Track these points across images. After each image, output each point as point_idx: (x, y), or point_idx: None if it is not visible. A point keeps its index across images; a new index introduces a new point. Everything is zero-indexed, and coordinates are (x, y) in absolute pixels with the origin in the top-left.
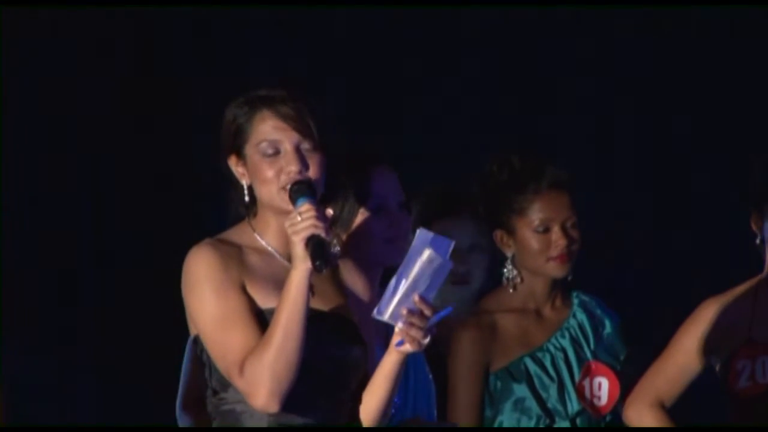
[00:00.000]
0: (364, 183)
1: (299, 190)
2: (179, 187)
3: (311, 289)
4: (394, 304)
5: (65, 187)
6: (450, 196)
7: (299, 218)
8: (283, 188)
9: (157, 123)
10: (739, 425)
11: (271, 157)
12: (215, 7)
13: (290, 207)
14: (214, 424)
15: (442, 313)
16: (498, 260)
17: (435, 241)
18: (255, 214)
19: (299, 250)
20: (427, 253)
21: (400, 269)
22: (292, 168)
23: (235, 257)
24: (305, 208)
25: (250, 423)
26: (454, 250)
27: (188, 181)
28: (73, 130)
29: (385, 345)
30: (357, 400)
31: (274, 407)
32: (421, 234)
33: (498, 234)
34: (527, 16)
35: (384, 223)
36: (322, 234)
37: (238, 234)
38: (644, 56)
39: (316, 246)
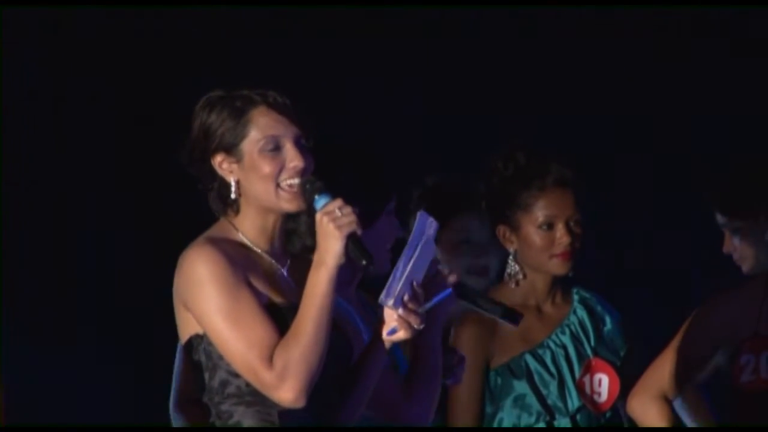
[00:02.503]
0: (382, 184)
1: (317, 187)
2: (180, 186)
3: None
4: (398, 289)
5: (66, 186)
6: (466, 192)
7: (339, 213)
8: (282, 184)
9: (158, 122)
10: (739, 425)
11: (271, 152)
12: (215, 7)
13: (287, 206)
14: (218, 424)
15: (441, 296)
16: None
17: (431, 225)
18: (236, 212)
19: (337, 245)
20: (426, 237)
21: (404, 254)
22: (296, 163)
23: (235, 254)
24: (340, 203)
25: (249, 423)
26: (475, 244)
27: (188, 180)
28: (73, 129)
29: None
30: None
31: (302, 401)
32: (422, 217)
33: (501, 229)
34: (527, 15)
35: (391, 228)
36: (360, 232)
37: (223, 232)
38: (645, 56)
39: (359, 245)
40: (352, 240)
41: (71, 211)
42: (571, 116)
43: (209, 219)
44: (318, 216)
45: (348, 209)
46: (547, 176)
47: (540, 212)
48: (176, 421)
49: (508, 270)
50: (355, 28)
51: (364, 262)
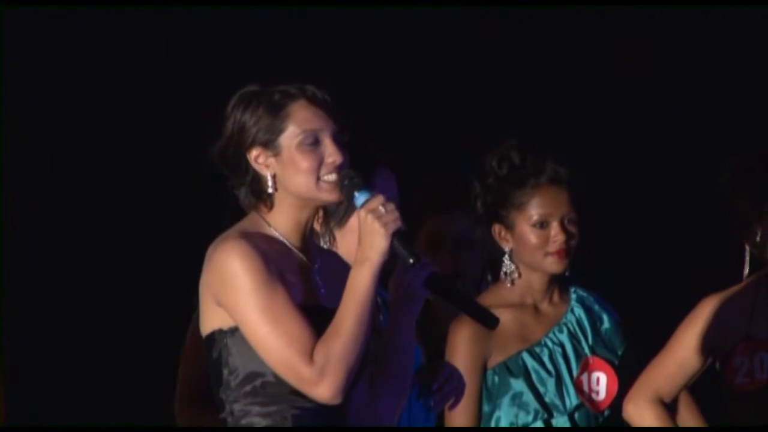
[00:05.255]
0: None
1: (356, 183)
2: (180, 186)
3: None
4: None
5: (66, 185)
6: (444, 192)
7: (383, 210)
8: (322, 178)
9: (158, 121)
10: (738, 425)
11: (310, 146)
12: (215, 6)
13: (328, 197)
14: (229, 423)
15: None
16: (493, 255)
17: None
18: (270, 207)
19: (383, 243)
20: None
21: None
22: (334, 158)
23: (267, 249)
24: (383, 200)
25: (265, 421)
26: (450, 246)
27: (188, 181)
28: (73, 129)
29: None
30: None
31: (339, 398)
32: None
33: (496, 228)
34: (527, 16)
35: None
36: (404, 228)
37: (253, 226)
38: (644, 56)
39: (405, 242)
40: (397, 238)
41: (71, 210)
42: (570, 116)
43: (209, 219)
44: (362, 213)
45: (391, 206)
46: (542, 174)
47: (534, 211)
48: (180, 419)
49: (504, 269)
50: (355, 27)
51: (411, 261)
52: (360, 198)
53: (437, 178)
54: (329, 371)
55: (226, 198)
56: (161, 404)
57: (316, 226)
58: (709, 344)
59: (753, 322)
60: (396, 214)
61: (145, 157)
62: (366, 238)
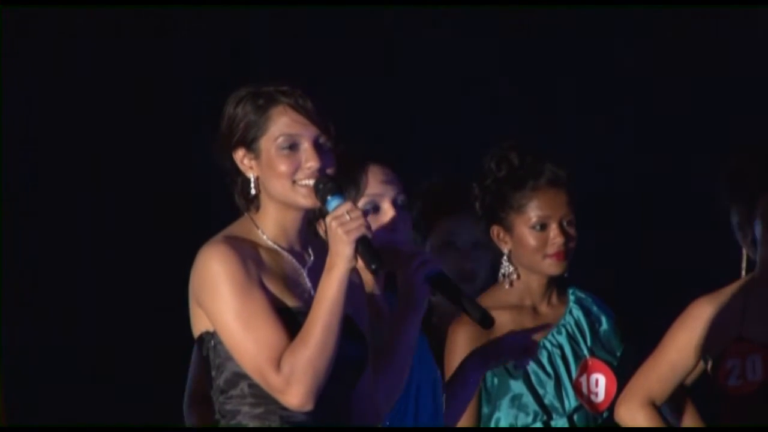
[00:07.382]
0: (359, 181)
1: (329, 188)
2: (179, 186)
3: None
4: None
5: (67, 185)
6: (452, 194)
7: (348, 217)
8: (298, 183)
9: (158, 121)
10: (733, 425)
11: (288, 151)
12: (215, 7)
13: (304, 202)
14: (221, 424)
15: None
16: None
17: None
18: (257, 208)
19: (347, 250)
20: None
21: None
22: (312, 164)
23: (251, 254)
24: (349, 207)
25: (254, 423)
26: (461, 248)
27: (188, 182)
28: (73, 129)
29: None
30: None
31: (309, 405)
32: None
33: (495, 230)
34: (527, 16)
35: (375, 224)
36: (370, 235)
37: (242, 230)
38: (644, 56)
39: (369, 249)
40: (361, 244)
41: (71, 211)
42: (570, 116)
43: (210, 218)
44: (328, 219)
45: (357, 213)
46: (541, 176)
47: (533, 213)
48: (188, 419)
49: (503, 270)
50: (354, 27)
51: (373, 267)
52: (332, 203)
53: (444, 180)
54: (295, 380)
55: (227, 198)
56: (161, 404)
57: None
58: (700, 346)
59: (745, 323)
60: (361, 221)
61: (146, 156)
62: (332, 246)
